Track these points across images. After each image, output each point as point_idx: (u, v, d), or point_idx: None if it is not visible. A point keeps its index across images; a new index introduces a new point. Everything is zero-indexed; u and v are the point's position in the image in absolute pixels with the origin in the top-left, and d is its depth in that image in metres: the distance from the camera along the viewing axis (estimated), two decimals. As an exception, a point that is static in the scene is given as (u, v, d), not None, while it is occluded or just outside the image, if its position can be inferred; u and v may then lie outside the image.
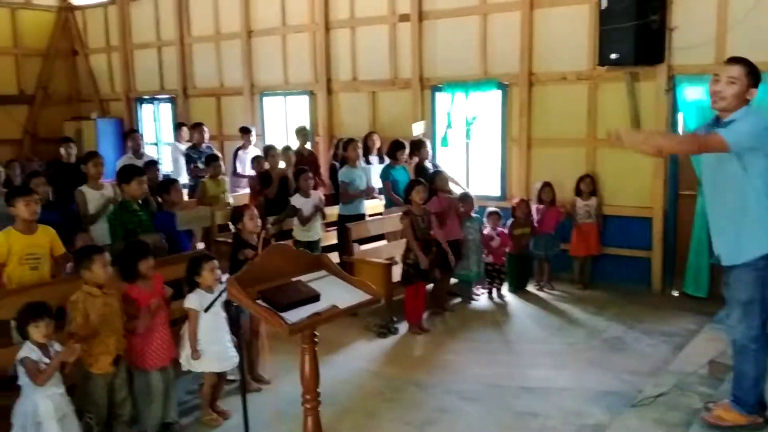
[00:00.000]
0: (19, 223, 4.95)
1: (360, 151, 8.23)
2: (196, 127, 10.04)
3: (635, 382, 5.28)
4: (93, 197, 6.44)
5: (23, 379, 3.86)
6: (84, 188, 6.56)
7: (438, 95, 9.35)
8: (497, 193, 8.96)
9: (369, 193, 8.15)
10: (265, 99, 11.39)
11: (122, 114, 13.44)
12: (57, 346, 3.98)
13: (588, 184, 7.98)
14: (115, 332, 4.36)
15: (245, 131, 10.23)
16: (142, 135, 10.62)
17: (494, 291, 7.79)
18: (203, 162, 9.33)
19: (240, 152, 10.10)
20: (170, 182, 6.94)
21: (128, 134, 10.09)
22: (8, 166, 8.84)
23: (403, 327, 6.76)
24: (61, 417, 3.92)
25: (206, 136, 9.95)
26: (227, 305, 4.46)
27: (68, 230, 5.55)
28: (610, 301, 7.55)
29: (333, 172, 8.87)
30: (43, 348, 3.89)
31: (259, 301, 3.35)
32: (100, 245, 5.06)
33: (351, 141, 8.17)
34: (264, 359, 5.39)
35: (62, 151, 8.94)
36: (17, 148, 13.22)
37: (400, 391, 5.32)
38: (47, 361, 3.87)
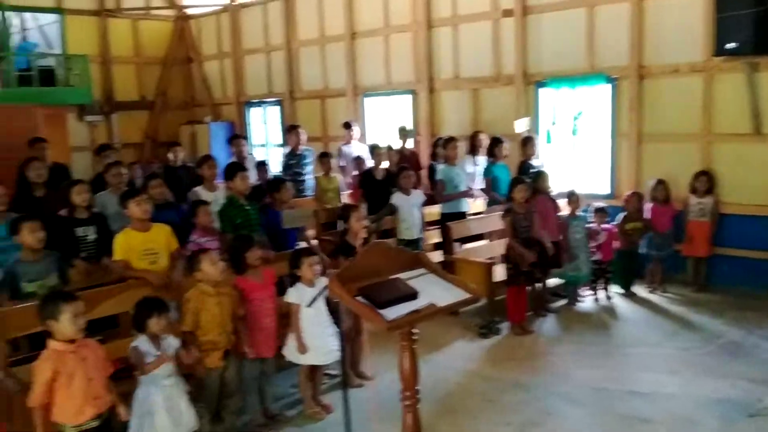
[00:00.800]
0: (135, 223, 5.29)
1: (460, 150, 8.15)
2: (292, 129, 9.93)
3: (754, 390, 5.00)
4: (208, 198, 6.72)
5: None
6: (199, 189, 6.91)
7: (542, 91, 9.17)
8: (606, 190, 8.69)
9: (467, 193, 7.99)
10: (367, 99, 11.55)
11: (233, 117, 14.01)
12: (171, 339, 4.16)
13: (704, 182, 7.60)
14: (225, 330, 4.53)
15: (348, 126, 10.36)
16: (247, 139, 10.76)
17: (601, 292, 7.54)
18: (301, 165, 9.53)
19: (343, 148, 10.23)
20: (281, 181, 7.07)
21: (231, 140, 10.04)
22: (130, 168, 9.37)
23: (505, 327, 6.68)
24: (171, 407, 4.07)
25: (303, 138, 9.78)
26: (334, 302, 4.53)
27: (185, 229, 5.84)
28: (728, 304, 7.15)
29: (431, 171, 8.77)
30: (155, 340, 4.08)
31: (359, 298, 3.41)
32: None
33: (451, 140, 8.11)
34: (365, 356, 5.48)
35: (170, 155, 9.49)
36: (139, 152, 14.07)
37: (501, 392, 5.27)
38: (156, 353, 4.03)
